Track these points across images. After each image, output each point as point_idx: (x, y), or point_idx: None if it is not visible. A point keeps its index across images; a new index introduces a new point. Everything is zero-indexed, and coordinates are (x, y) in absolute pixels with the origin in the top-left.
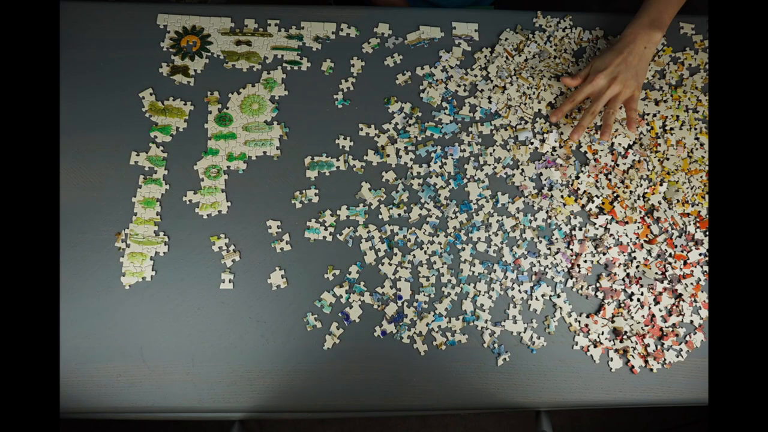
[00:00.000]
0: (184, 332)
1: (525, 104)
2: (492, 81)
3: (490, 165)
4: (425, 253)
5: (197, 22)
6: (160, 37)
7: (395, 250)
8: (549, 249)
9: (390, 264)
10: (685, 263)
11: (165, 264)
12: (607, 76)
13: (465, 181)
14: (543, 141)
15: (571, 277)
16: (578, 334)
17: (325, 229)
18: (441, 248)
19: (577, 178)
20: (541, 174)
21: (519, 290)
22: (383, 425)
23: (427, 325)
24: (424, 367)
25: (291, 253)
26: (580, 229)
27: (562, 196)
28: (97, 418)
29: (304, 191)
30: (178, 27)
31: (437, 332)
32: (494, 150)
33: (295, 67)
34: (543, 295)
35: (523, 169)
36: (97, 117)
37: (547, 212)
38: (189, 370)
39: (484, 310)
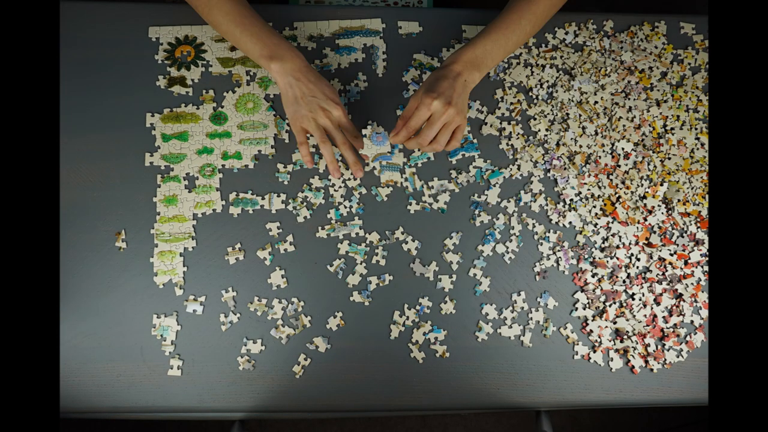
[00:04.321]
0: (184, 332)
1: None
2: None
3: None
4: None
5: (189, 31)
6: (157, 40)
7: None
8: (552, 251)
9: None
10: (686, 263)
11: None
12: (442, 100)
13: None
14: (559, 144)
15: (583, 292)
16: (577, 344)
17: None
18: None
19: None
20: (553, 180)
21: (524, 298)
22: (383, 425)
23: (424, 334)
24: (424, 368)
25: (291, 254)
26: (584, 246)
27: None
28: (97, 418)
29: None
30: (171, 38)
31: (435, 344)
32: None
33: None
34: (546, 305)
35: (532, 174)
36: (97, 117)
37: (555, 214)
38: (189, 370)
39: (488, 322)
